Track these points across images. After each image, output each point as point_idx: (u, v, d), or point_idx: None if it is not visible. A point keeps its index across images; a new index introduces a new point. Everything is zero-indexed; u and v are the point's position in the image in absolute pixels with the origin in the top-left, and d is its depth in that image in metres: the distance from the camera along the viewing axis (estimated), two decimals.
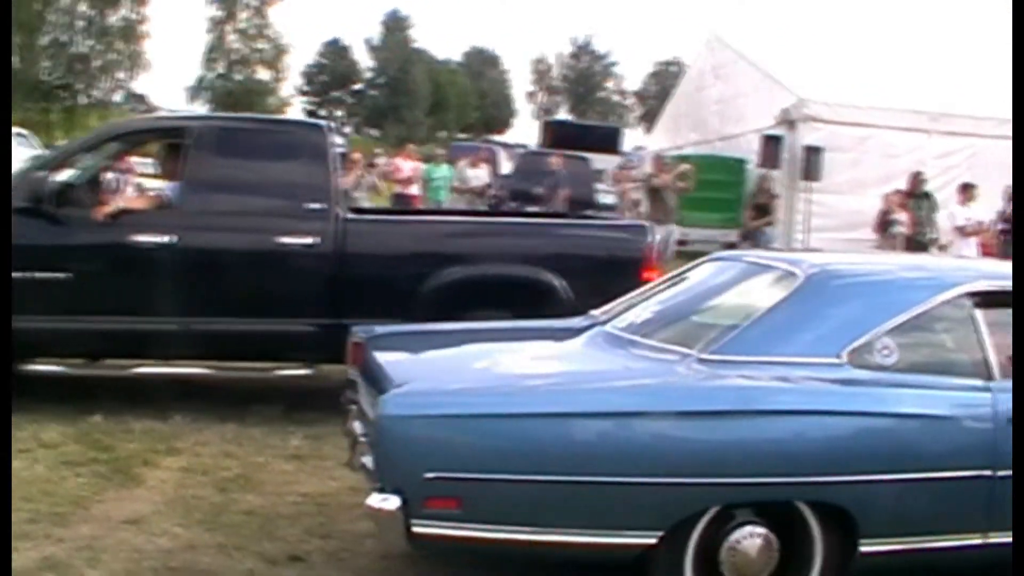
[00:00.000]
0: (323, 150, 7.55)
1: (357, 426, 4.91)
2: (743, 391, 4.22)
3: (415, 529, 3.96)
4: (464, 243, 7.69)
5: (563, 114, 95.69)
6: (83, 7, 37.71)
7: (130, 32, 37.93)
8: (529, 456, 4.00)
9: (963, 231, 15.10)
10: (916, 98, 21.31)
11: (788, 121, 21.54)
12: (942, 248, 15.54)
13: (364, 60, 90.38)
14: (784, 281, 4.76)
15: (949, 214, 15.65)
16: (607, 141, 42.88)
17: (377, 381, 4.58)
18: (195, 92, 69.98)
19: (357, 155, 15.08)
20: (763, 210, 16.47)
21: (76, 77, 37.65)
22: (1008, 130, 20.87)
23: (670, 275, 5.89)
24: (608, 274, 7.49)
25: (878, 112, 21.05)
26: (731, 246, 16.35)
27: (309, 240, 7.29)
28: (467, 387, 4.33)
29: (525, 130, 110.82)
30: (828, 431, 4.18)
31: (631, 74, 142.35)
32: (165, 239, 7.18)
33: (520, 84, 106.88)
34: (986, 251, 15.04)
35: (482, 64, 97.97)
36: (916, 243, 15.00)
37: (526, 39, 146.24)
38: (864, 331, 4.41)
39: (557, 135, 41.83)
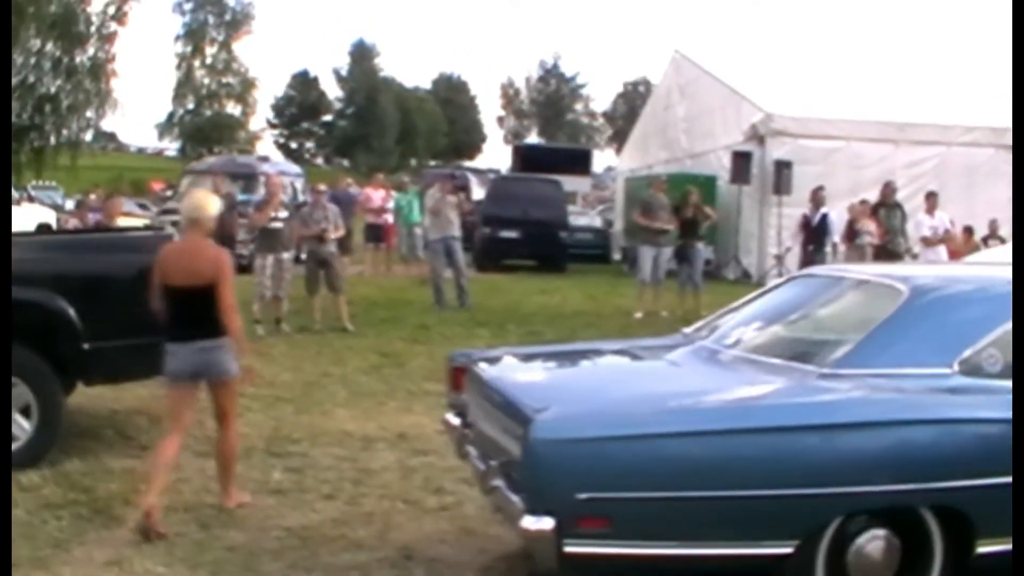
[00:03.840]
0: None
1: (474, 450, 4.98)
2: (867, 403, 4.44)
3: (567, 549, 4.06)
4: None
5: (533, 137, 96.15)
6: (50, 47, 37.56)
7: (99, 71, 37.71)
8: (675, 474, 4.17)
9: (927, 241, 15.16)
10: (883, 109, 21.47)
11: (756, 136, 21.68)
12: (914, 257, 15.63)
13: (333, 90, 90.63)
14: (888, 295, 4.93)
15: (916, 223, 15.74)
16: (578, 163, 43.10)
17: (510, 405, 4.60)
18: (165, 128, 69.95)
19: (323, 186, 15.03)
20: (692, 225, 16.21)
21: (45, 118, 37.44)
22: (974, 137, 21.24)
23: (761, 290, 6.16)
24: (127, 293, 6.81)
25: (845, 124, 21.20)
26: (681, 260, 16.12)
27: None
28: (613, 409, 4.43)
29: (496, 155, 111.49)
30: (945, 438, 4.39)
31: (600, 95, 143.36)
32: None
33: (489, 109, 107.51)
34: (954, 256, 15.10)
35: (450, 90, 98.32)
36: (888, 252, 15.03)
37: (494, 64, 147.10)
38: (972, 341, 4.61)
39: (528, 159, 41.94)
